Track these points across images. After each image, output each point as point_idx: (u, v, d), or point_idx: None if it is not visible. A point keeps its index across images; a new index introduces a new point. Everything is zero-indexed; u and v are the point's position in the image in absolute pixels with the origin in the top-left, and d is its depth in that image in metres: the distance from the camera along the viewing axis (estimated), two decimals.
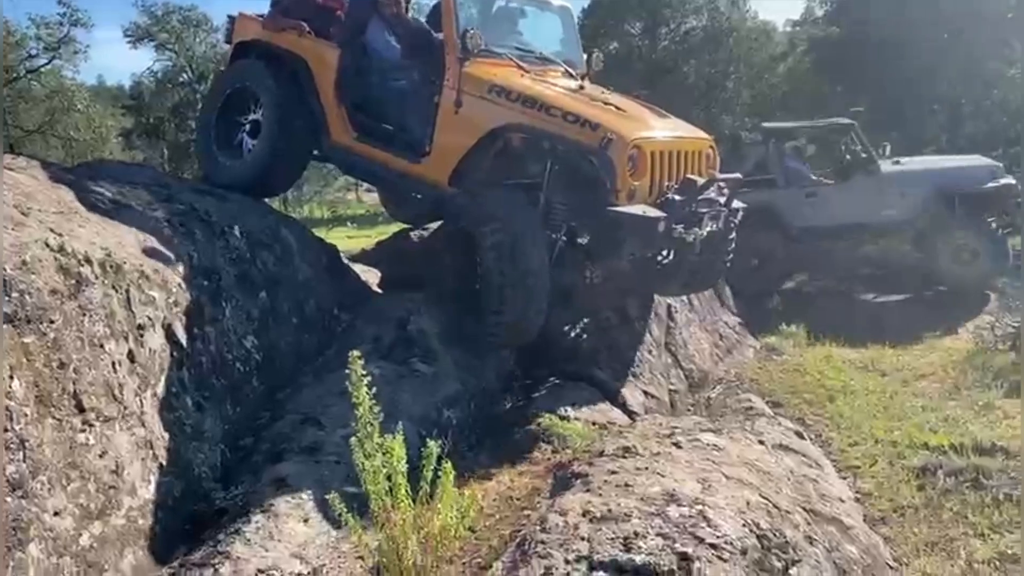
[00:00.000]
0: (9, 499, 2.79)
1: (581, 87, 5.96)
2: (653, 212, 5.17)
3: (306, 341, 5.52)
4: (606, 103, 5.68)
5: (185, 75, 33.24)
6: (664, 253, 6.03)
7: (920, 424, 6.01)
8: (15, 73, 23.02)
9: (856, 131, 10.90)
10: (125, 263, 3.86)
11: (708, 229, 5.63)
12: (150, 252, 4.20)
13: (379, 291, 6.80)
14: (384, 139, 6.15)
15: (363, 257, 7.81)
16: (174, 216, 4.85)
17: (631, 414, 5.65)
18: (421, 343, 5.40)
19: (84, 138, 23.57)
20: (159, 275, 4.11)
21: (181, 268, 4.39)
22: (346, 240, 16.69)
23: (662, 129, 5.64)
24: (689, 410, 6.32)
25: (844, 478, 5.19)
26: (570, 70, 6.30)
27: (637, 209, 5.15)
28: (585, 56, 6.64)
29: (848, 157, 11.08)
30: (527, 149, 5.54)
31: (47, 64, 24.73)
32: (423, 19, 6.85)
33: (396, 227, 8.01)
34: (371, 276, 7.12)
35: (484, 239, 5.23)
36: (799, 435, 5.44)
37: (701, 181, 5.48)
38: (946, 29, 20.96)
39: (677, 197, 5.34)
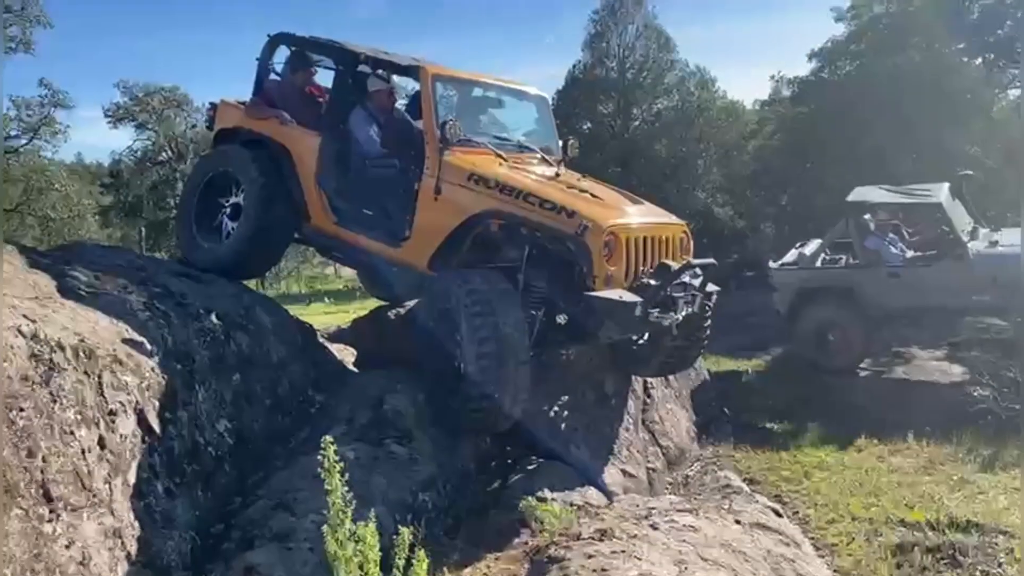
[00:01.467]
0: None
1: (557, 174, 6.08)
2: (629, 297, 5.21)
3: (279, 422, 5.47)
4: (581, 190, 5.79)
5: (165, 154, 33.64)
6: (640, 336, 6.10)
7: (896, 500, 6.03)
8: None
9: (942, 210, 10.07)
10: (98, 348, 3.85)
11: (684, 313, 5.68)
12: (124, 337, 4.19)
13: (355, 370, 6.78)
14: (364, 224, 6.21)
15: (339, 335, 7.81)
16: (149, 299, 4.84)
17: (609, 494, 5.62)
18: (397, 423, 5.38)
19: (61, 216, 23.60)
20: (132, 360, 4.10)
21: (155, 352, 4.37)
22: (323, 316, 16.69)
23: (637, 215, 5.71)
24: (667, 488, 6.31)
25: (822, 556, 5.18)
26: (547, 157, 6.42)
27: (614, 294, 5.18)
28: (561, 143, 6.80)
29: (945, 232, 10.21)
30: (505, 234, 5.61)
31: (27, 144, 24.93)
32: (403, 107, 7.00)
33: (374, 303, 8.02)
34: (347, 354, 7.11)
35: (466, 322, 5.19)
36: (776, 513, 5.46)
37: (676, 266, 5.55)
38: (908, 109, 21.66)
39: (652, 282, 5.41)
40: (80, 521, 3.35)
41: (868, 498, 6.13)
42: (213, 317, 5.21)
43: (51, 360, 3.49)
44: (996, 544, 5.13)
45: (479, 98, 6.58)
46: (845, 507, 5.96)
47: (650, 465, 6.43)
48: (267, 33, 6.93)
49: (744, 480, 6.53)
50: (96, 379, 3.75)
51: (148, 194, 33.32)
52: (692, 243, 6.04)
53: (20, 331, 3.44)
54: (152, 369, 4.25)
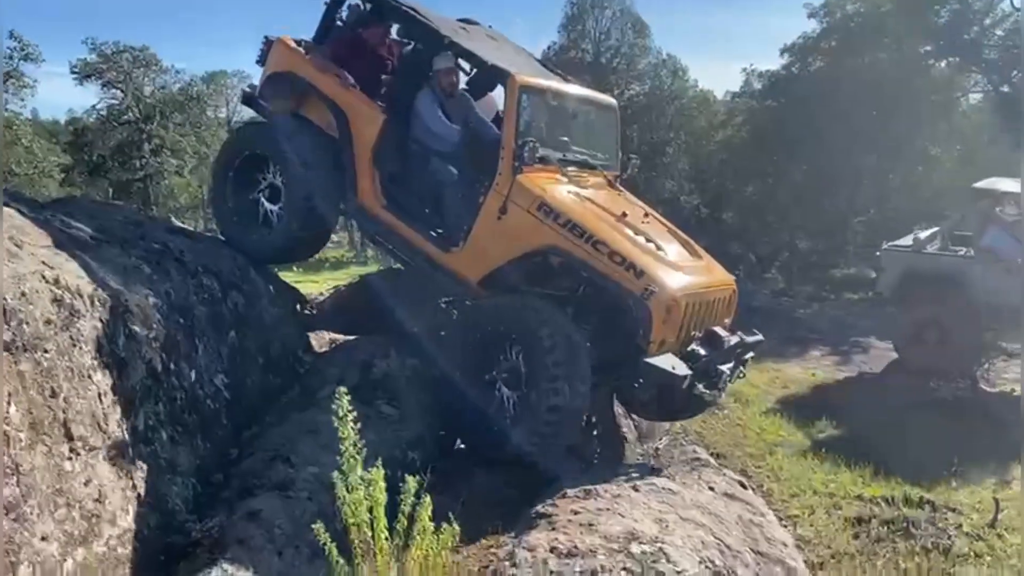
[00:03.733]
0: (3, 521, 2.87)
1: (624, 214, 5.64)
2: (682, 370, 5.05)
3: (271, 381, 5.64)
4: (648, 238, 5.51)
5: (131, 113, 33.10)
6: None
7: (855, 477, 6.36)
8: None
9: None
10: (111, 298, 3.97)
11: (725, 387, 5.64)
12: (132, 288, 4.30)
13: (343, 336, 6.93)
14: (415, 217, 5.92)
15: (325, 303, 7.93)
16: (150, 254, 4.95)
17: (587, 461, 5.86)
18: (386, 385, 5.55)
19: (25, 172, 23.16)
20: (141, 311, 4.22)
21: (160, 305, 4.49)
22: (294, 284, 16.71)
23: (697, 275, 5.53)
24: (639, 459, 6.56)
25: (785, 526, 5.48)
26: (607, 176, 6.22)
27: (666, 363, 5.03)
28: (623, 159, 6.57)
29: None
30: (563, 268, 5.40)
31: None
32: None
33: (342, 273, 8.12)
34: (334, 321, 7.24)
35: (540, 342, 5.02)
36: (742, 485, 5.74)
37: (729, 341, 5.51)
38: (875, 107, 22.17)
39: (703, 351, 5.33)
40: (97, 461, 3.49)
41: (828, 475, 6.46)
42: (211, 274, 5.34)
43: (72, 305, 3.61)
44: (947, 519, 5.49)
45: (554, 107, 6.15)
46: (806, 482, 6.28)
47: (623, 436, 6.68)
48: None
49: (711, 454, 6.82)
50: (110, 327, 3.88)
51: (113, 154, 32.80)
52: (737, 299, 5.92)
53: (43, 276, 3.56)
54: (158, 321, 4.37)
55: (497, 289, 5.51)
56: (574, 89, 6.36)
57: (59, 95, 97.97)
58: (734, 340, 5.57)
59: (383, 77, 6.40)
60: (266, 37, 6.54)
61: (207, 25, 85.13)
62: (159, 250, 5.13)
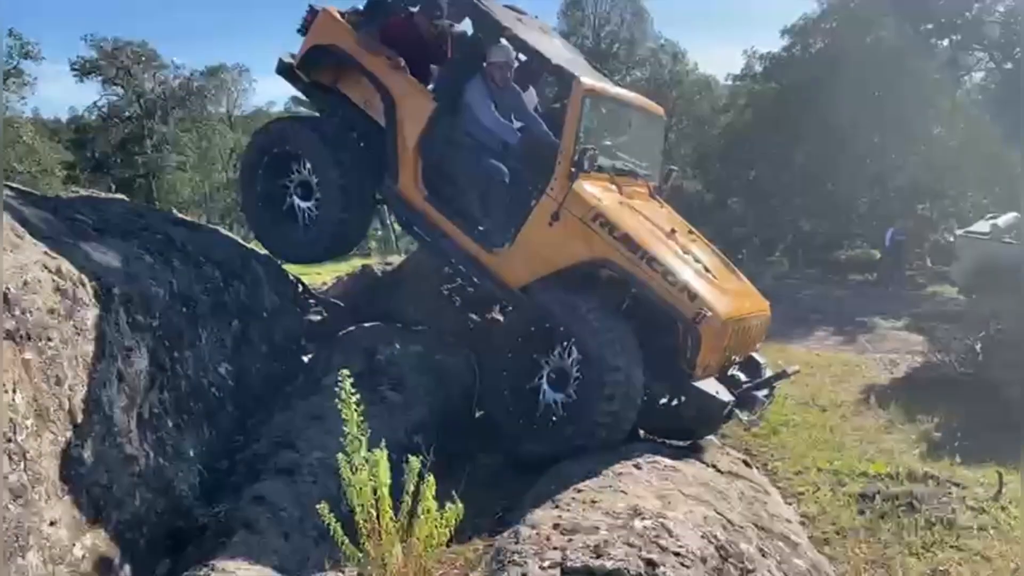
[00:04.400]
0: (12, 507, 2.90)
1: (673, 230, 5.57)
2: (725, 395, 5.06)
3: (274, 369, 5.68)
4: (696, 258, 5.45)
5: (132, 110, 33.16)
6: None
7: (859, 455, 6.39)
8: None
9: None
10: (114, 287, 4.00)
11: (761, 412, 5.64)
12: (135, 277, 4.33)
13: (346, 323, 6.95)
14: (457, 212, 5.74)
15: (327, 292, 7.96)
16: (152, 244, 4.97)
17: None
18: (389, 372, 5.59)
19: (28, 170, 23.22)
20: (144, 300, 4.24)
21: (163, 295, 4.52)
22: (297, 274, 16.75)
23: (739, 299, 5.46)
24: (639, 438, 6.57)
25: (789, 503, 5.50)
26: (649, 185, 6.10)
27: (711, 387, 5.04)
28: (664, 171, 6.48)
29: None
30: (612, 282, 5.27)
31: None
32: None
33: (345, 264, 8.14)
34: (336, 310, 7.27)
35: (592, 340, 4.92)
36: (746, 463, 5.76)
37: (768, 371, 5.57)
38: (878, 87, 22.10)
39: (743, 377, 5.34)
40: (103, 447, 3.53)
41: (832, 453, 6.47)
42: (212, 264, 5.37)
43: (74, 295, 3.64)
44: (950, 493, 5.51)
45: (611, 113, 5.99)
46: (811, 460, 6.29)
47: None
48: None
49: (715, 434, 6.82)
50: (114, 316, 3.91)
51: (115, 151, 32.88)
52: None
53: (45, 266, 3.59)
54: (161, 310, 4.41)
55: (538, 293, 5.37)
56: (631, 96, 6.24)
57: (60, 93, 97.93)
58: (775, 372, 5.60)
59: (431, 64, 6.20)
60: (311, 6, 6.30)
61: (205, 20, 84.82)
62: (161, 240, 5.15)
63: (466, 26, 6.35)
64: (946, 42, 24.21)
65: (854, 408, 7.85)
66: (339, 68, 6.19)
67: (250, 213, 6.50)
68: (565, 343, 5.10)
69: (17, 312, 3.26)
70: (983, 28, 22.72)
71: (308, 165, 6.12)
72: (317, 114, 6.68)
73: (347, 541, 3.28)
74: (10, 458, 2.96)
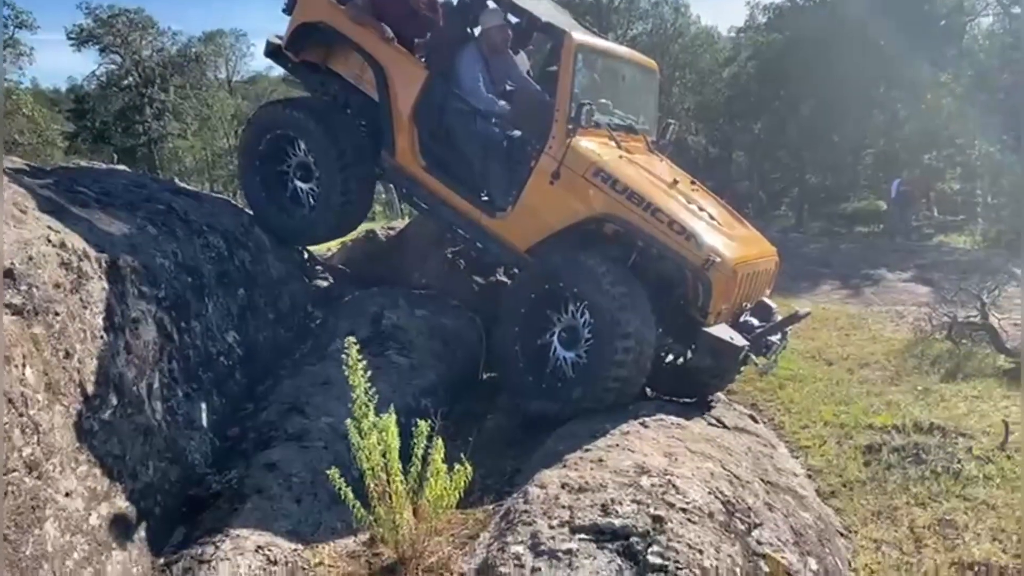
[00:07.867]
0: (27, 479, 2.95)
1: (676, 181, 5.55)
2: (739, 340, 5.02)
3: (282, 336, 5.72)
4: (700, 207, 5.43)
5: (131, 78, 32.95)
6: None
7: (865, 408, 6.41)
8: None
9: None
10: (119, 259, 4.01)
11: (776, 357, 5.57)
12: (139, 249, 4.34)
13: (352, 289, 6.97)
14: (457, 179, 5.73)
15: (332, 258, 7.97)
16: (156, 215, 4.97)
17: None
18: (396, 336, 5.63)
19: (30, 142, 23.15)
20: (149, 271, 4.26)
21: (168, 265, 4.54)
22: None
23: (747, 244, 5.44)
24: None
25: (796, 457, 5.55)
26: (648, 140, 6.06)
27: (724, 333, 5.01)
28: (661, 125, 6.41)
29: None
30: (618, 237, 5.24)
31: None
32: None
33: None
34: (341, 275, 7.29)
35: (604, 305, 4.87)
36: (753, 419, 5.81)
37: (779, 314, 5.51)
38: (883, 35, 21.78)
39: (755, 322, 5.32)
40: (114, 419, 3.57)
41: (838, 406, 6.50)
42: (216, 233, 5.38)
43: (79, 268, 3.66)
44: (956, 444, 5.53)
45: (605, 68, 5.94)
46: (817, 414, 6.32)
47: None
48: None
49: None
50: (120, 288, 3.93)
51: (115, 120, 32.75)
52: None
53: (49, 240, 3.59)
54: (166, 281, 4.43)
55: (544, 253, 5.36)
56: (623, 50, 6.20)
57: (58, 63, 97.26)
58: (788, 315, 5.54)
59: (421, 32, 6.16)
60: None
61: None
62: (164, 211, 5.15)
63: None
64: None
65: (860, 361, 7.85)
66: (328, 45, 6.17)
67: (254, 201, 6.36)
68: (577, 304, 5.08)
69: (23, 287, 3.27)
70: None
71: (303, 146, 6.08)
72: (308, 94, 6.61)
73: (358, 505, 3.34)
74: (23, 431, 3.00)
